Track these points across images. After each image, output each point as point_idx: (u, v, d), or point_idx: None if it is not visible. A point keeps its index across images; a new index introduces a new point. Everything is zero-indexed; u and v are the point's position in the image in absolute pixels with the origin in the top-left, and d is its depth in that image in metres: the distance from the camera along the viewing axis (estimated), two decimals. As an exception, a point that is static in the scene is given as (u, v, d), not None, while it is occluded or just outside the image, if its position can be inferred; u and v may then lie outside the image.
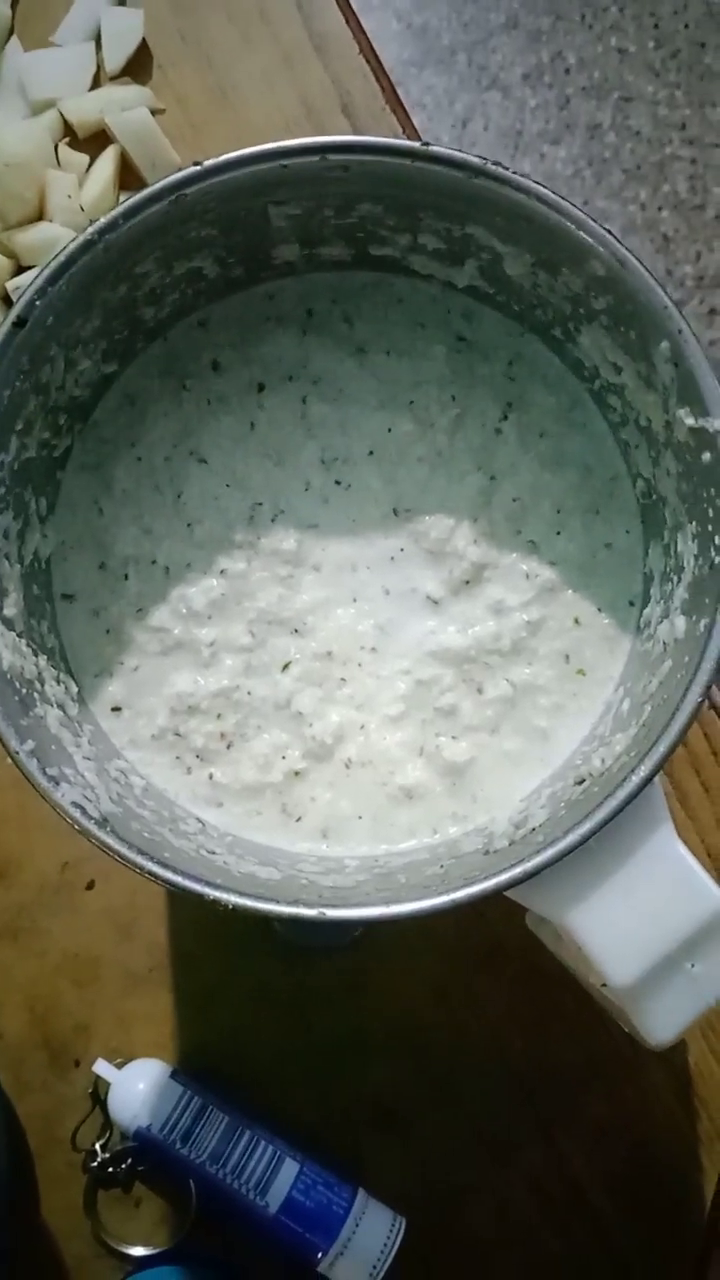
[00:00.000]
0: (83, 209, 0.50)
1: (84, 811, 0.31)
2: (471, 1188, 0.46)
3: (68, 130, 0.51)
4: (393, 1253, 0.42)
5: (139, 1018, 0.47)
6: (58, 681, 0.36)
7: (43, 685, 0.34)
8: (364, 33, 0.53)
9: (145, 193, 0.33)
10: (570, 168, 1.30)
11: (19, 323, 0.32)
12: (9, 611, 0.34)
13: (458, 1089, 0.47)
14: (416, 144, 0.33)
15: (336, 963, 0.47)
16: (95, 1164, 0.45)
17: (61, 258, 0.33)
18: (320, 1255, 0.42)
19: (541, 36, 1.32)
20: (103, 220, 0.33)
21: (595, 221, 0.32)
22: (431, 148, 0.32)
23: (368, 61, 0.52)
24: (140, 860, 0.30)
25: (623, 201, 1.29)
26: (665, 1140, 0.47)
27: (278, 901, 0.30)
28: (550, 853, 0.30)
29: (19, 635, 0.34)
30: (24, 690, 0.33)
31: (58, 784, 0.31)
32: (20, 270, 0.50)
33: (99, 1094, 0.46)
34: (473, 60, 1.32)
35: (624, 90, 1.31)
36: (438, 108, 1.31)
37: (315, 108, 0.52)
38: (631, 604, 0.38)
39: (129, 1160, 0.45)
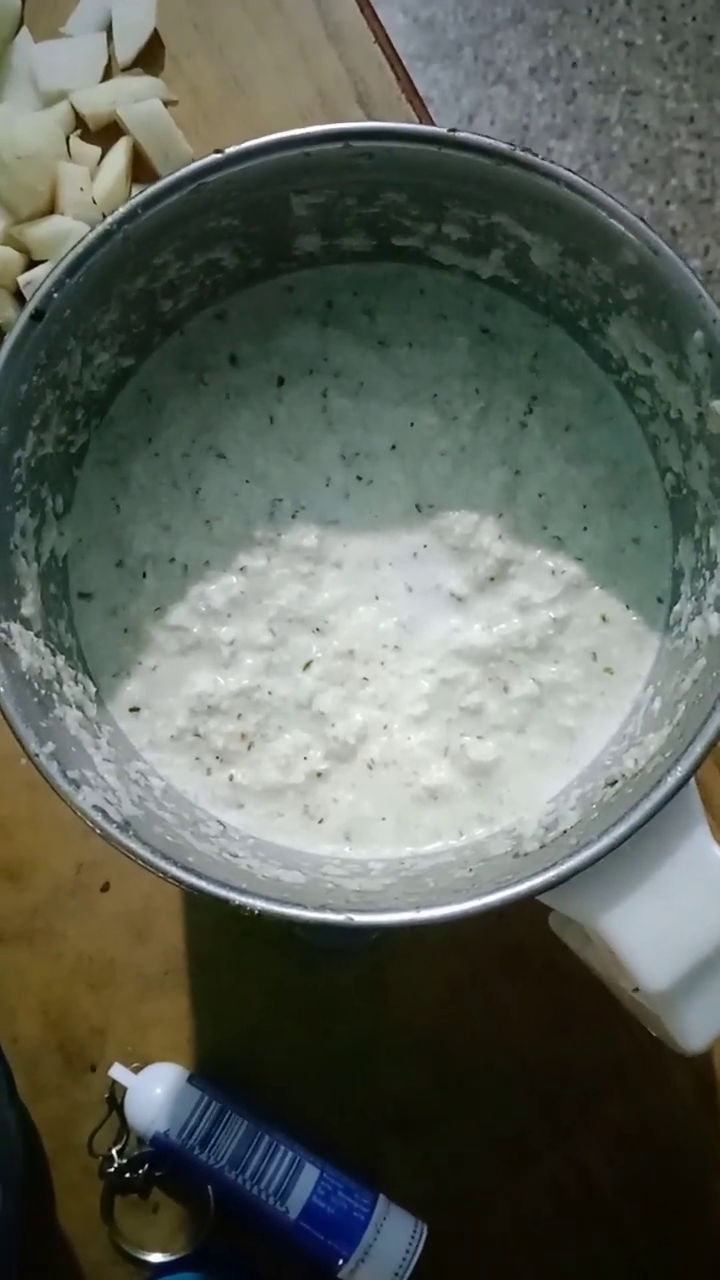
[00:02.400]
0: (95, 202, 0.49)
1: (106, 815, 0.30)
2: (488, 1192, 0.46)
3: (79, 122, 0.50)
4: (415, 1259, 0.42)
5: (155, 1021, 0.46)
6: (75, 682, 0.35)
7: (61, 686, 0.34)
8: (379, 22, 0.52)
9: (165, 181, 0.32)
10: (577, 162, 1.29)
11: (36, 315, 0.32)
12: (27, 611, 0.33)
13: (475, 1092, 0.46)
14: (443, 130, 0.32)
15: (354, 964, 0.46)
16: (112, 1169, 0.45)
17: (80, 249, 0.32)
18: (341, 1262, 0.41)
19: (548, 30, 1.31)
20: (121, 210, 0.32)
21: (627, 209, 0.31)
22: (458, 133, 0.32)
23: (384, 51, 0.51)
24: (165, 865, 0.29)
25: (630, 196, 1.28)
26: (686, 1144, 0.46)
27: (304, 907, 0.30)
28: (585, 856, 0.29)
29: (37, 635, 0.33)
30: (43, 691, 0.32)
31: (79, 787, 0.30)
32: (32, 265, 0.49)
33: (116, 1099, 0.45)
34: (479, 54, 1.31)
35: (631, 84, 1.30)
36: (444, 102, 1.30)
37: (330, 98, 0.51)
38: (660, 601, 0.37)
39: (146, 1165, 0.45)
